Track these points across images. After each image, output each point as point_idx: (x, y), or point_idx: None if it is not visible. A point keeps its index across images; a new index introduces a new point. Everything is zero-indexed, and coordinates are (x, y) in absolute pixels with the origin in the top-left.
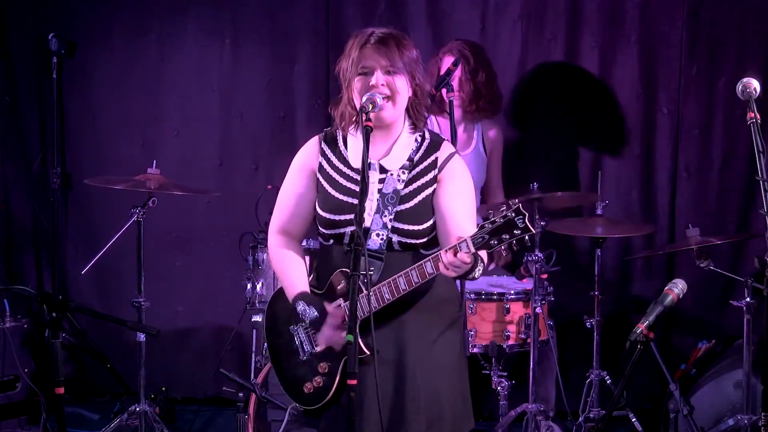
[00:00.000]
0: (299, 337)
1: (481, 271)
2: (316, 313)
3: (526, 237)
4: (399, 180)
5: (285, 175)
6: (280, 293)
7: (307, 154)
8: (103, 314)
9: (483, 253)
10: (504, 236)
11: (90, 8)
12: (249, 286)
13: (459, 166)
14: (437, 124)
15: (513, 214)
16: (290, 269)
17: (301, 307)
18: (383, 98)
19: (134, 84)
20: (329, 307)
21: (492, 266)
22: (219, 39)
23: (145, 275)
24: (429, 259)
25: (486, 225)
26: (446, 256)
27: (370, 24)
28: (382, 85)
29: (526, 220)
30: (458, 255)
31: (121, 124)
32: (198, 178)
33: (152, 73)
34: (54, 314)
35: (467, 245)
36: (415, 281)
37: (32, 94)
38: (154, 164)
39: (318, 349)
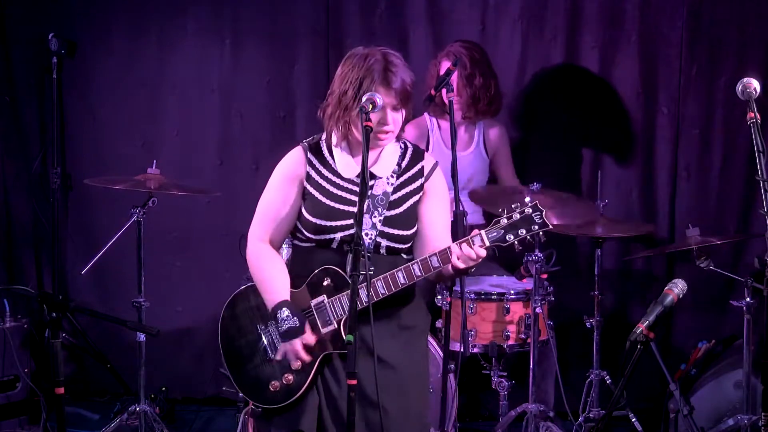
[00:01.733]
0: (269, 336)
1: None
2: (297, 325)
3: (542, 232)
4: (389, 184)
5: None
6: (242, 295)
7: (294, 164)
8: (103, 314)
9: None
10: (521, 231)
11: (90, 8)
12: None
13: (441, 179)
14: (438, 125)
15: (531, 210)
16: (275, 276)
17: (284, 313)
18: (386, 133)
19: (134, 84)
20: (307, 329)
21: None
22: (219, 39)
23: (145, 275)
24: (435, 254)
25: (501, 220)
26: (458, 249)
27: (370, 24)
28: (389, 123)
29: (544, 216)
30: (473, 248)
31: (121, 124)
32: (198, 178)
33: (152, 73)
34: (54, 314)
35: (481, 239)
36: (416, 275)
37: (32, 94)
38: (154, 164)
39: (277, 357)
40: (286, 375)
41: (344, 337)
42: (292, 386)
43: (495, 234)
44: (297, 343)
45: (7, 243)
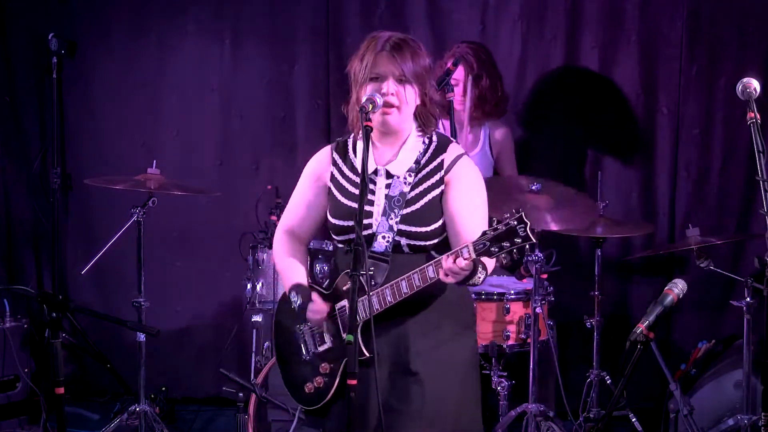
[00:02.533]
0: (303, 337)
1: (483, 278)
2: (301, 300)
3: (527, 245)
4: (405, 183)
5: (285, 175)
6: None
7: (319, 163)
8: (103, 314)
9: (489, 259)
10: (504, 244)
11: (90, 8)
12: (249, 286)
13: (468, 168)
14: (441, 125)
15: (515, 222)
16: (289, 265)
17: (293, 296)
18: (390, 106)
19: (134, 84)
20: (314, 297)
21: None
22: (219, 39)
23: (145, 275)
24: (431, 264)
25: (488, 232)
26: (446, 262)
27: (370, 24)
28: (392, 94)
29: (528, 229)
30: (456, 261)
31: (121, 124)
32: (198, 178)
33: (152, 73)
34: (54, 314)
35: (468, 251)
36: (416, 284)
37: (32, 94)
38: (154, 164)
39: (318, 337)
40: (317, 378)
41: (362, 341)
42: (322, 389)
43: (481, 246)
44: (310, 315)
45: (7, 243)
